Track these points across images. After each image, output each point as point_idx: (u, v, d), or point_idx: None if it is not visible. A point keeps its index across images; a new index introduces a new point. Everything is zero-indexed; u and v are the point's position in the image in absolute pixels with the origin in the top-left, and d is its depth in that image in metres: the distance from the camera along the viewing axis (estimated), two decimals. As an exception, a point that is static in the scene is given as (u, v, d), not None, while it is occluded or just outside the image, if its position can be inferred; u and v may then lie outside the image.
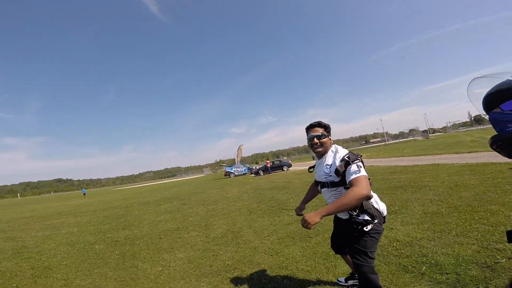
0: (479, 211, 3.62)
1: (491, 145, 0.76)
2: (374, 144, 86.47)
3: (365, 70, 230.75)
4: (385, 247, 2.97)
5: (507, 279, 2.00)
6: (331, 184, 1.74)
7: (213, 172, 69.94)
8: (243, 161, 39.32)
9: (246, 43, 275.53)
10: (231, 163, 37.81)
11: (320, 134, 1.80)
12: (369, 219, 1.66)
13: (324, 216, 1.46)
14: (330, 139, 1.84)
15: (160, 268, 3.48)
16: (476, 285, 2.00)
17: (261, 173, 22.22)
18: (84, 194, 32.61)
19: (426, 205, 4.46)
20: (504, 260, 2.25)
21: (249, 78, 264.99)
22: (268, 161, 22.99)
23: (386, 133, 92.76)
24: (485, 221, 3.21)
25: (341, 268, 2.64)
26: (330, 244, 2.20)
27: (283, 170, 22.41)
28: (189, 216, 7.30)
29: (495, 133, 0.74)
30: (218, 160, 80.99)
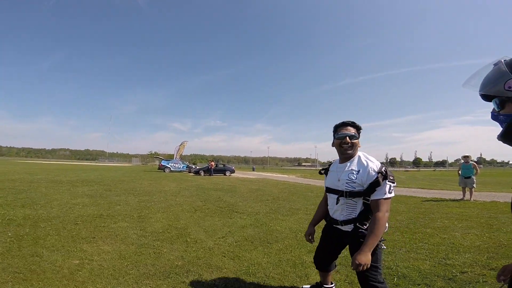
0: (417, 233, 4.06)
1: None
2: (305, 168, 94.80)
3: (313, 99, 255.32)
4: (339, 261, 2.92)
5: None
6: (351, 194, 1.56)
7: (143, 164, 62.76)
8: (183, 158, 36.73)
9: (209, 45, 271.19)
10: (168, 157, 34.77)
11: (353, 134, 1.63)
12: None
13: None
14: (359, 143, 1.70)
15: (78, 262, 2.56)
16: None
17: (202, 173, 21.15)
18: None
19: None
20: (459, 274, 2.50)
21: (205, 78, 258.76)
22: (212, 163, 22.12)
23: (317, 160, 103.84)
24: (426, 241, 3.59)
25: (312, 277, 2.41)
26: (313, 258, 1.99)
27: (225, 175, 21.90)
28: (116, 204, 6.05)
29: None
30: (152, 152, 73.03)
